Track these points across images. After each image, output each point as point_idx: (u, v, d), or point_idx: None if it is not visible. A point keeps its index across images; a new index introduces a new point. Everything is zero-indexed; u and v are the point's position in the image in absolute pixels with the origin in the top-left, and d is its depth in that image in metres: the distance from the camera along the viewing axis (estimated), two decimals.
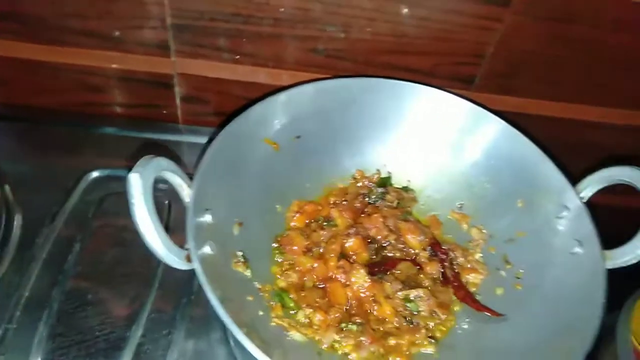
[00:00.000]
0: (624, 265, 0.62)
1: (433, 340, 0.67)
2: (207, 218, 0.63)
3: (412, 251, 0.77)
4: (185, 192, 0.62)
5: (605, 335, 0.77)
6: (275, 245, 0.74)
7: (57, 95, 0.92)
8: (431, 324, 0.69)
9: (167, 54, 0.85)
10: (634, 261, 0.61)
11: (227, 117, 0.71)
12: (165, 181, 0.61)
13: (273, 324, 0.63)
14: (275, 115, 0.75)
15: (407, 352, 0.66)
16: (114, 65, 0.87)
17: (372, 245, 0.77)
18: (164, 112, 0.95)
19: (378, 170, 0.84)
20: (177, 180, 0.61)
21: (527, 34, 0.81)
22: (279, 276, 0.70)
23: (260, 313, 0.63)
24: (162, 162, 0.58)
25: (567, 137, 0.96)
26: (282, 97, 0.75)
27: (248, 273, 0.66)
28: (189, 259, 0.57)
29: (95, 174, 0.85)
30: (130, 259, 0.76)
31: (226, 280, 0.62)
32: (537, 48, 0.83)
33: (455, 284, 0.73)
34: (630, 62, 0.85)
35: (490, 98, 0.89)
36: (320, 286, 0.71)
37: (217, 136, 0.68)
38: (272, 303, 0.66)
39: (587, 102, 0.92)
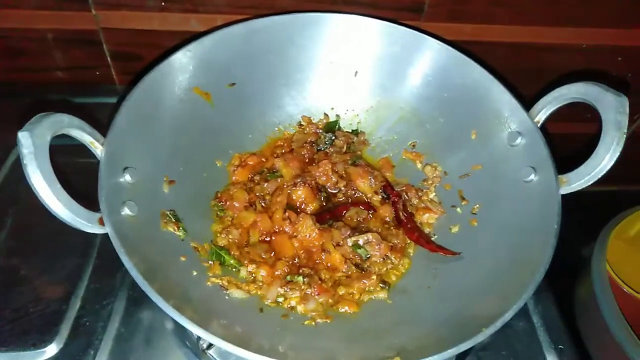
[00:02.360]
0: (579, 188, 0.58)
1: (385, 286, 0.63)
2: (126, 177, 0.58)
3: (364, 196, 0.72)
4: (98, 149, 0.57)
5: (582, 268, 0.74)
6: (214, 202, 0.69)
7: None
8: (384, 269, 0.65)
9: (86, 7, 0.78)
10: (590, 182, 0.57)
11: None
12: None
13: (209, 283, 0.59)
14: (202, 61, 0.68)
15: (358, 300, 0.62)
16: (30, 25, 0.80)
17: (322, 194, 0.72)
18: (97, 73, 0.88)
19: (325, 114, 0.79)
20: (86, 138, 0.56)
21: None
22: (219, 234, 0.66)
23: (195, 273, 0.59)
24: (62, 118, 0.52)
25: (527, 63, 0.90)
26: (207, 40, 0.68)
27: (180, 233, 0.61)
28: (102, 222, 0.53)
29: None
30: (66, 231, 0.70)
31: (154, 241, 0.58)
32: None
33: (409, 225, 0.68)
34: None
35: (443, 27, 0.82)
36: (267, 240, 0.67)
37: (134, 88, 0.62)
38: (210, 262, 0.62)
39: (545, 24, 0.85)
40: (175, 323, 0.64)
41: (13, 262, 0.68)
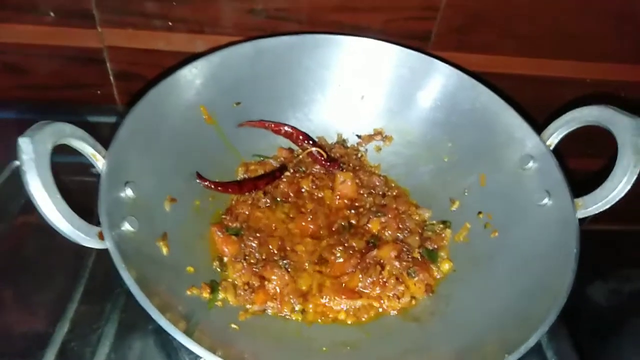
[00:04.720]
0: (596, 212, 0.56)
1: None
2: (128, 192, 0.55)
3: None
4: (100, 162, 0.54)
5: None
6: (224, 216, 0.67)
7: None
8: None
9: (92, 24, 0.77)
10: (607, 206, 0.55)
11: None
12: None
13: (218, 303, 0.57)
14: (208, 79, 0.67)
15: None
16: (34, 41, 0.78)
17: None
18: (98, 92, 0.87)
19: (339, 134, 0.78)
20: (88, 149, 0.53)
21: None
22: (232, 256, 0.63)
23: (199, 294, 0.56)
24: (64, 127, 0.50)
25: (533, 96, 0.89)
26: (214, 58, 0.67)
27: (178, 252, 0.58)
28: (102, 237, 0.50)
29: (18, 162, 0.77)
30: (56, 250, 0.68)
31: (154, 260, 0.55)
32: None
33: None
34: (595, 9, 0.79)
35: (450, 56, 0.82)
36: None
37: (139, 102, 0.60)
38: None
39: (552, 57, 0.85)
40: (168, 350, 0.61)
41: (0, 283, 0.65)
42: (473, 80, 0.69)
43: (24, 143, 0.45)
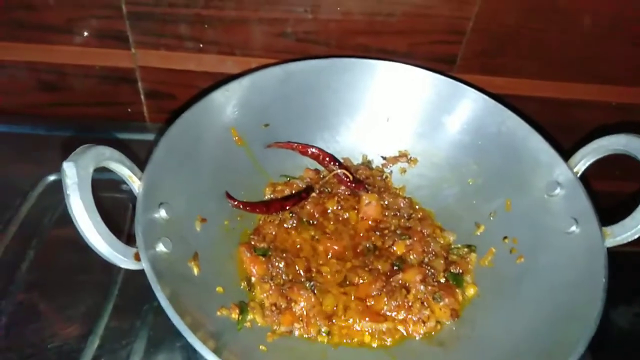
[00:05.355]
0: (625, 241, 0.56)
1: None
2: (162, 213, 0.57)
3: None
4: (136, 184, 0.56)
5: None
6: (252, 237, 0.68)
7: (11, 96, 0.86)
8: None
9: (126, 46, 0.80)
10: (636, 236, 0.55)
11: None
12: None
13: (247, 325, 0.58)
14: (239, 101, 0.69)
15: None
16: (69, 61, 0.81)
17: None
18: (129, 110, 0.89)
19: (364, 155, 0.79)
20: (125, 171, 0.55)
21: (507, 7, 0.75)
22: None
23: (230, 315, 0.58)
24: (104, 150, 0.52)
25: (557, 118, 0.90)
26: (245, 81, 0.69)
27: (208, 272, 0.59)
28: (138, 258, 0.51)
29: (53, 177, 0.79)
30: (88, 266, 0.70)
31: (186, 280, 0.56)
32: (520, 21, 0.78)
33: None
34: (620, 32, 0.79)
35: (475, 79, 0.83)
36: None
37: (173, 124, 0.62)
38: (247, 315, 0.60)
39: (577, 80, 0.86)
40: None
41: (33, 297, 0.66)
42: (500, 105, 0.70)
43: (69, 167, 0.47)
